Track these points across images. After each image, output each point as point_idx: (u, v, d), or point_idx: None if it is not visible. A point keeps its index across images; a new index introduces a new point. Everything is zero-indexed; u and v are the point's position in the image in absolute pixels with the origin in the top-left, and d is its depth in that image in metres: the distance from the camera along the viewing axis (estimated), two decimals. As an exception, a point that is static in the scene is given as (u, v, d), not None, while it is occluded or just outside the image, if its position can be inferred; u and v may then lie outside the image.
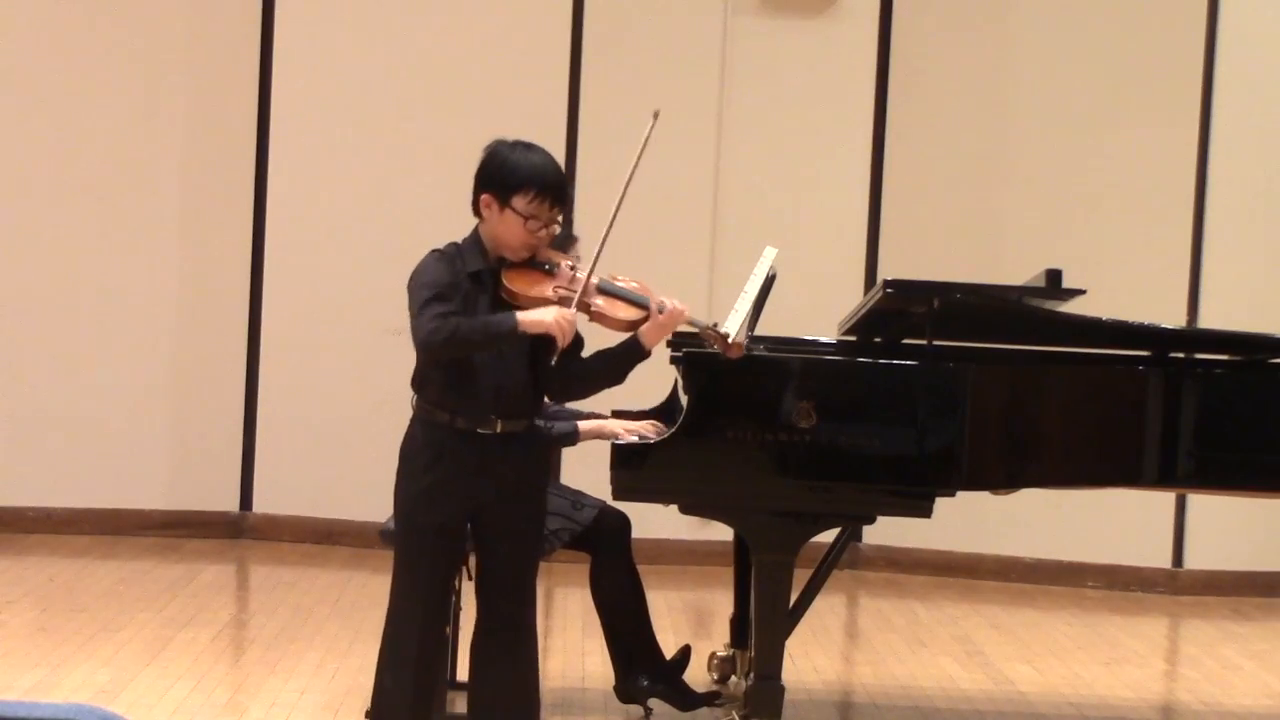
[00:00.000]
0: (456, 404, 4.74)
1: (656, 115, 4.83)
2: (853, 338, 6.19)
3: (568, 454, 8.55)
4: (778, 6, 8.82)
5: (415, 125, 8.73)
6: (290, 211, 8.84)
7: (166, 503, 8.87)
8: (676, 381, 6.00)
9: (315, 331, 8.79)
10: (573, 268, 4.81)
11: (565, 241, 5.64)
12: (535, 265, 4.78)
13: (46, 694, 5.89)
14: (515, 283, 4.74)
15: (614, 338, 4.89)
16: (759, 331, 5.96)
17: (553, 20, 8.80)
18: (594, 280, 4.77)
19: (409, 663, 4.81)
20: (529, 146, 4.81)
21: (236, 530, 8.89)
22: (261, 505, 8.91)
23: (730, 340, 4.98)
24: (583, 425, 5.94)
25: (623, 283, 4.87)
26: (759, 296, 5.71)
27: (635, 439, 5.58)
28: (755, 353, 5.82)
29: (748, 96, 8.82)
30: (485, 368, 4.74)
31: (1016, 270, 6.90)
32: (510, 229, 4.73)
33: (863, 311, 5.89)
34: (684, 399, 5.47)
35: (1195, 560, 8.67)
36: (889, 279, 5.60)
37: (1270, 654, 7.51)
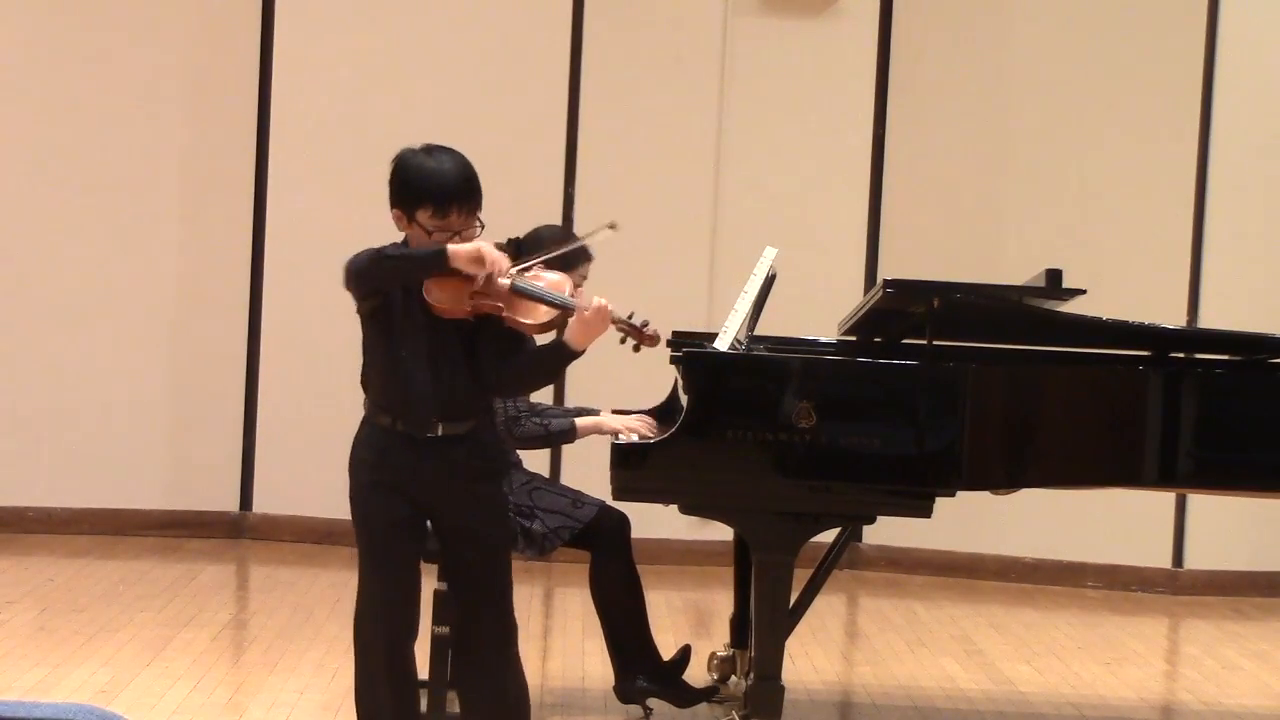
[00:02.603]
0: (396, 407, 4.73)
1: (614, 227, 4.79)
2: (853, 338, 6.19)
3: (567, 453, 8.55)
4: (778, 6, 8.82)
5: (415, 126, 8.66)
6: (290, 211, 8.83)
7: (166, 503, 8.87)
8: (676, 381, 6.00)
9: (315, 332, 8.78)
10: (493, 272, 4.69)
11: (579, 258, 5.61)
12: (453, 272, 4.69)
13: (46, 694, 5.89)
14: (433, 294, 4.66)
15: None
16: (759, 331, 5.97)
17: (553, 20, 8.79)
18: (511, 283, 4.70)
19: (379, 664, 4.81)
20: (431, 152, 4.71)
21: (236, 530, 8.89)
22: (261, 505, 8.91)
23: (646, 332, 4.89)
24: (579, 422, 5.95)
25: (543, 284, 4.77)
26: (759, 296, 5.72)
27: (634, 437, 5.59)
28: (755, 353, 5.83)
29: (748, 96, 8.82)
30: (417, 372, 4.70)
31: (1016, 270, 6.90)
32: (419, 242, 4.69)
33: (863, 311, 5.89)
34: (684, 399, 5.47)
35: (1195, 560, 8.67)
36: (889, 279, 5.60)
37: (1270, 654, 7.51)
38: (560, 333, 4.77)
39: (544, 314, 4.73)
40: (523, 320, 4.73)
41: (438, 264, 4.61)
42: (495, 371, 4.79)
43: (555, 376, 4.88)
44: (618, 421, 5.88)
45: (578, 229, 8.02)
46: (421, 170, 4.68)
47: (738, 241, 8.48)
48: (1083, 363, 5.87)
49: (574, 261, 5.51)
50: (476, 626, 4.85)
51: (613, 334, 4.81)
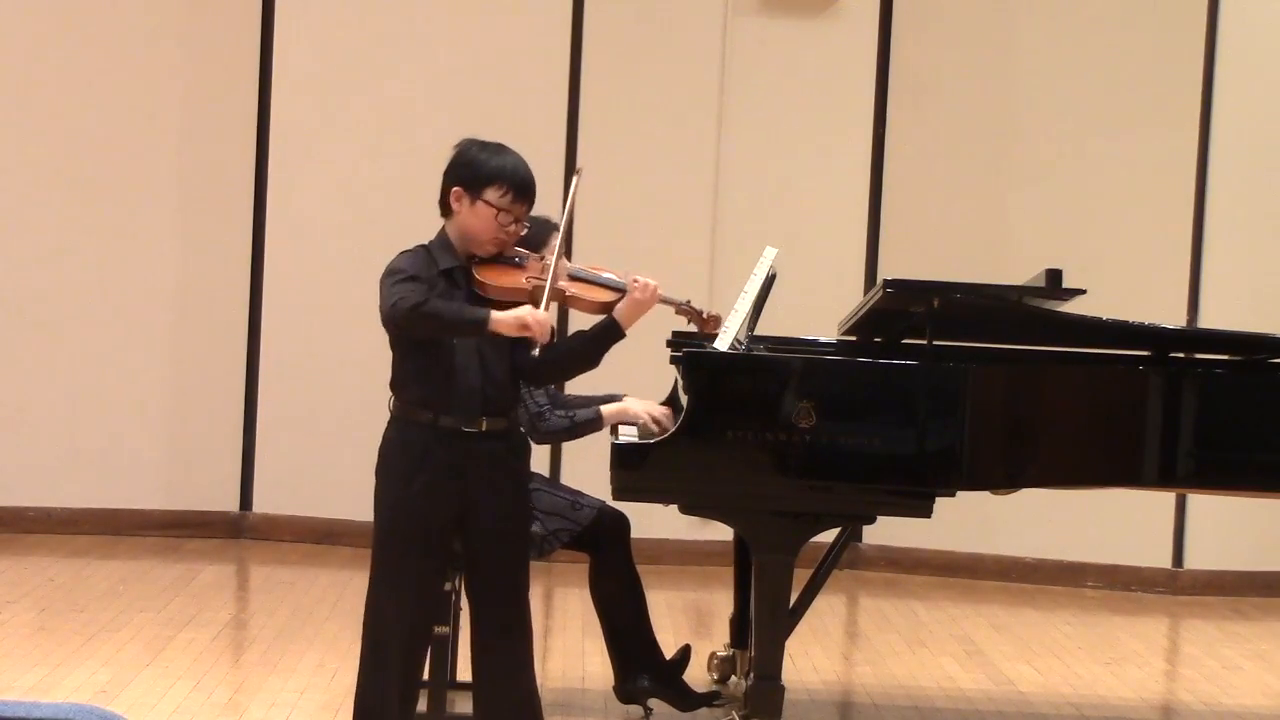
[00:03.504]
0: (441, 403, 4.74)
1: (579, 172, 4.90)
2: (853, 338, 6.19)
3: (567, 453, 8.55)
4: (778, 6, 8.82)
5: (415, 125, 8.73)
6: (290, 211, 8.84)
7: (166, 503, 8.87)
8: (676, 381, 6.00)
9: (315, 332, 8.79)
10: (541, 258, 4.86)
11: (545, 230, 5.65)
12: (505, 260, 4.83)
13: (46, 694, 5.89)
14: (487, 275, 4.77)
15: (589, 321, 4.92)
16: (759, 331, 5.97)
17: (553, 20, 8.79)
18: (564, 266, 4.81)
19: (395, 665, 4.81)
20: (501, 147, 4.85)
21: (236, 530, 8.89)
22: (261, 505, 8.91)
23: (705, 315, 5.02)
24: (605, 410, 5.91)
25: (593, 269, 4.94)
26: (759, 296, 5.72)
27: (653, 426, 5.59)
28: (755, 353, 5.83)
29: (748, 96, 8.82)
30: (468, 366, 4.74)
31: (1017, 270, 6.90)
32: (481, 222, 4.76)
33: (863, 311, 5.89)
34: (684, 399, 5.47)
35: (1195, 560, 8.67)
36: (889, 279, 5.60)
37: (1270, 654, 7.51)
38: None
39: (606, 295, 4.85)
40: (588, 300, 4.83)
41: (478, 329, 4.66)
42: (536, 359, 4.84)
43: (599, 360, 4.89)
44: (641, 407, 5.85)
45: (577, 229, 8.02)
46: (498, 157, 4.81)
47: (738, 241, 8.48)
48: (1083, 363, 5.87)
49: (544, 237, 5.52)
50: (495, 625, 4.86)
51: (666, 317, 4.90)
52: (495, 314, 4.65)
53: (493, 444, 4.78)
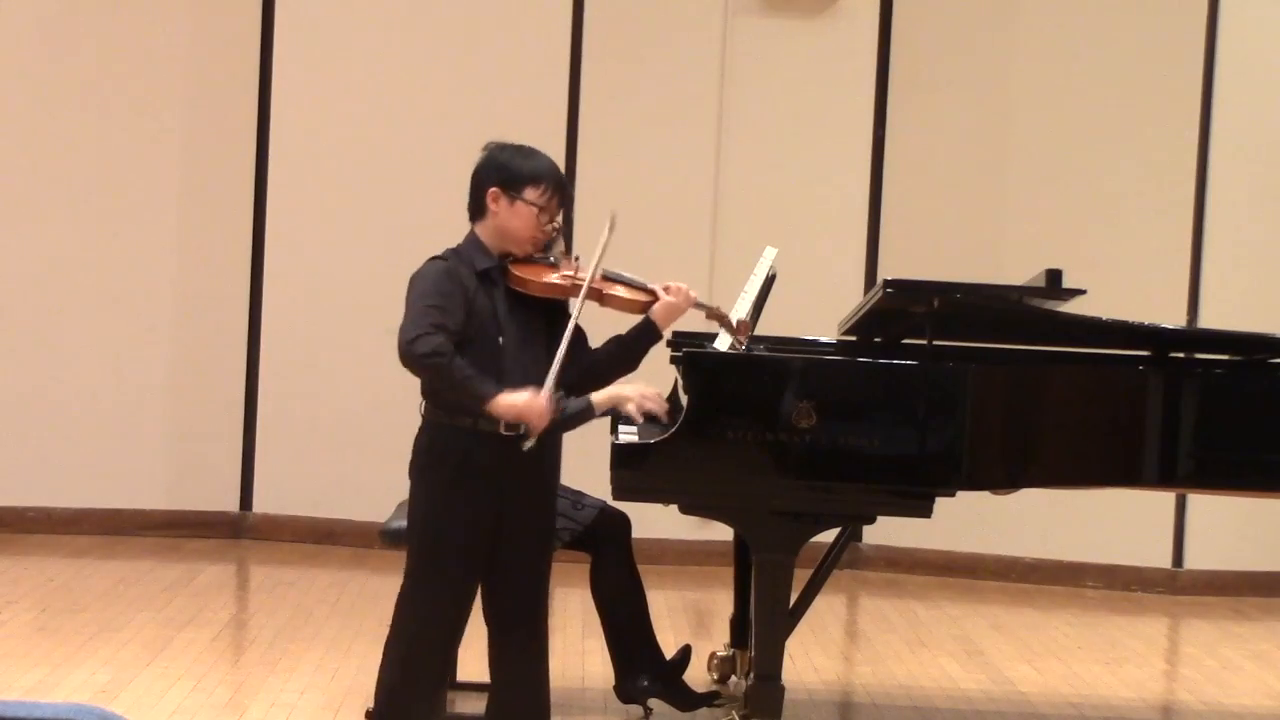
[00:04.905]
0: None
1: (613, 223, 4.78)
2: (853, 338, 6.19)
3: (567, 453, 8.53)
4: (778, 6, 8.82)
5: (415, 125, 8.73)
6: (290, 211, 8.83)
7: (166, 503, 8.87)
8: (676, 381, 6.00)
9: (315, 332, 8.79)
10: (577, 258, 4.88)
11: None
12: (540, 259, 4.85)
13: (46, 694, 5.89)
14: (524, 271, 4.78)
15: (622, 321, 4.93)
16: (759, 331, 5.97)
17: (553, 20, 8.80)
18: (600, 268, 4.83)
19: (431, 668, 4.82)
20: (532, 149, 4.88)
21: (236, 530, 8.89)
22: (261, 505, 8.91)
23: (736, 321, 5.06)
24: (596, 398, 5.86)
25: (621, 273, 4.98)
26: (759, 296, 5.71)
27: (648, 405, 5.57)
28: (755, 353, 5.83)
29: (748, 96, 8.82)
30: (513, 371, 4.73)
31: (1017, 270, 6.90)
32: (522, 221, 4.78)
33: (863, 311, 5.89)
34: (684, 399, 5.47)
35: (1195, 560, 8.67)
36: (889, 279, 5.59)
37: (1270, 654, 7.51)
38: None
39: (641, 295, 4.91)
40: (625, 300, 4.89)
41: (476, 407, 4.65)
42: (579, 365, 4.85)
43: (639, 362, 4.94)
44: (632, 390, 5.80)
45: (578, 229, 8.03)
46: (531, 159, 4.84)
47: (738, 241, 8.47)
48: (1083, 363, 5.87)
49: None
50: (517, 626, 4.87)
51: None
52: (500, 398, 4.62)
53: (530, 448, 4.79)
